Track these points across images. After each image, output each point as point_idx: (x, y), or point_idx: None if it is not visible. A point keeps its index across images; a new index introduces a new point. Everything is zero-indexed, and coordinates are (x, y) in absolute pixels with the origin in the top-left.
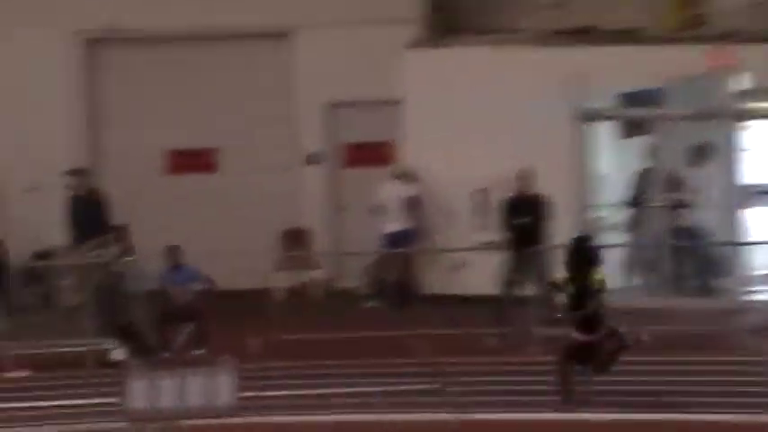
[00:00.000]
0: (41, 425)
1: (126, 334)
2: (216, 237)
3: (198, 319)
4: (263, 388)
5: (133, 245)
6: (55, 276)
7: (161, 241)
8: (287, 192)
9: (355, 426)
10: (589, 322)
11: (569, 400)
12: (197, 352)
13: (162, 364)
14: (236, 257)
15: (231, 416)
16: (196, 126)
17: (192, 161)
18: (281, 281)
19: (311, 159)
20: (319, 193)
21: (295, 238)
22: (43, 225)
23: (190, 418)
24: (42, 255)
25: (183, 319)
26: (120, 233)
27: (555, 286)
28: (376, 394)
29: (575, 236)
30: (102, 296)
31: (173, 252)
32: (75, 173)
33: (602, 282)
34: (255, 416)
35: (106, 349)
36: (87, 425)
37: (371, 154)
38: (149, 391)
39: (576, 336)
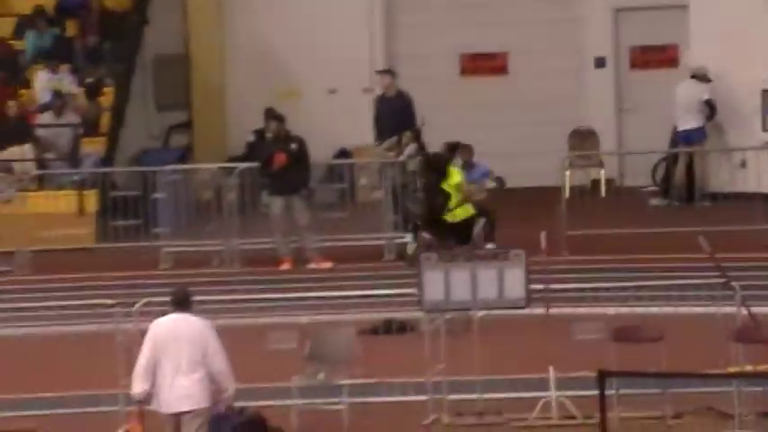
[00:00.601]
0: (343, 313)
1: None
2: (506, 136)
3: (489, 214)
4: (552, 281)
5: (427, 144)
6: (355, 174)
7: (455, 140)
8: (574, 93)
9: (637, 317)
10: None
11: None
12: (489, 246)
13: (455, 258)
14: (526, 156)
15: (522, 308)
16: (487, 29)
17: (484, 64)
18: (569, 179)
19: (598, 62)
20: (605, 94)
21: (582, 138)
22: (343, 125)
23: (482, 309)
24: (343, 153)
25: (475, 215)
26: (416, 133)
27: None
28: (659, 287)
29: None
30: (399, 193)
31: (466, 150)
32: (385, 73)
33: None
34: (544, 308)
35: (403, 243)
36: (385, 314)
37: (656, 57)
38: (443, 283)
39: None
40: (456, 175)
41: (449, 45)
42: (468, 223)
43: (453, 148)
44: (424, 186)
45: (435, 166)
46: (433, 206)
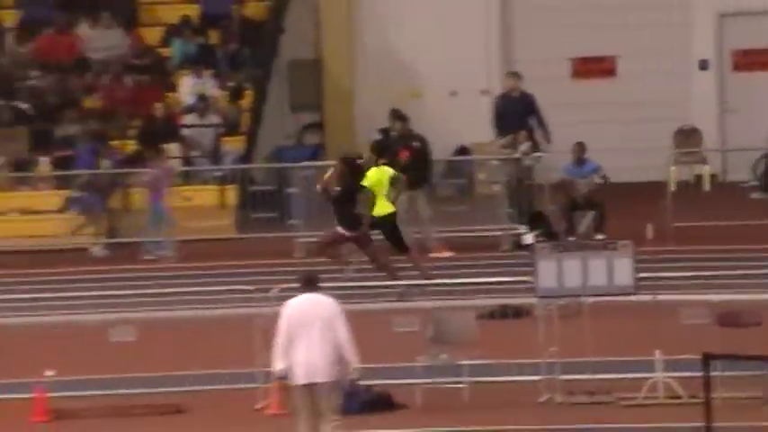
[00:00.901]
0: (462, 299)
1: (536, 220)
2: (615, 134)
3: (599, 207)
4: (659, 270)
5: (540, 142)
6: (473, 169)
7: (567, 138)
8: (679, 94)
9: (739, 303)
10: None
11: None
12: (598, 236)
13: (567, 247)
14: (634, 153)
15: (629, 294)
16: (597, 33)
17: (594, 67)
18: (674, 174)
19: (702, 65)
20: (709, 95)
21: (687, 136)
22: (463, 124)
23: (592, 295)
24: (462, 151)
25: (586, 208)
26: (530, 132)
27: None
28: (760, 276)
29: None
30: (515, 187)
31: (578, 148)
32: (513, 75)
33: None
34: (651, 295)
35: (518, 234)
36: (501, 300)
37: (758, 59)
38: (556, 271)
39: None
40: (385, 174)
41: (560, 49)
42: (389, 218)
43: (381, 152)
44: (343, 188)
45: (352, 170)
46: (351, 206)
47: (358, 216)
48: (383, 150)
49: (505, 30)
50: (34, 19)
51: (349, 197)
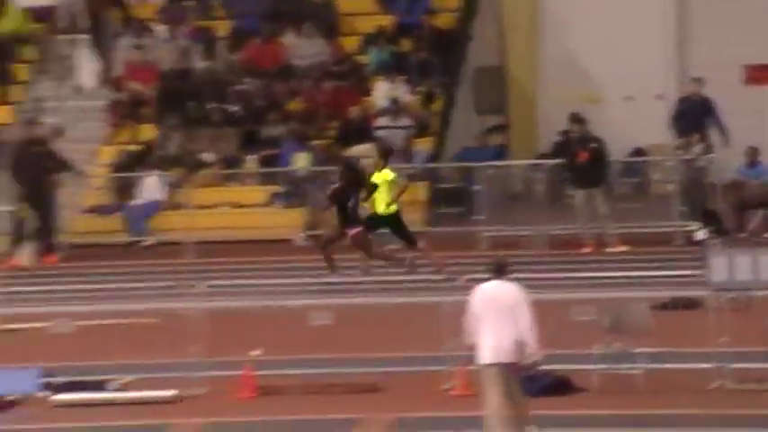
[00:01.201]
0: (636, 290)
1: (708, 217)
2: None
3: None
4: None
5: (715, 144)
6: (648, 169)
7: (737, 142)
8: None
9: None
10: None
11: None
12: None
13: (738, 244)
14: None
15: None
16: None
17: (766, 74)
18: None
19: None
20: None
21: None
22: (638, 127)
23: (762, 289)
24: (637, 152)
25: (757, 207)
26: (704, 135)
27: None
28: None
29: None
30: (688, 186)
31: (751, 151)
32: (696, 80)
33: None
34: None
35: (691, 230)
36: (674, 292)
37: None
38: (727, 265)
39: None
40: (388, 175)
41: (734, 56)
42: (395, 217)
43: (387, 154)
44: (340, 189)
45: (350, 175)
46: (349, 204)
47: (357, 214)
48: (389, 153)
49: (681, 36)
50: (244, 29)
51: (347, 197)
